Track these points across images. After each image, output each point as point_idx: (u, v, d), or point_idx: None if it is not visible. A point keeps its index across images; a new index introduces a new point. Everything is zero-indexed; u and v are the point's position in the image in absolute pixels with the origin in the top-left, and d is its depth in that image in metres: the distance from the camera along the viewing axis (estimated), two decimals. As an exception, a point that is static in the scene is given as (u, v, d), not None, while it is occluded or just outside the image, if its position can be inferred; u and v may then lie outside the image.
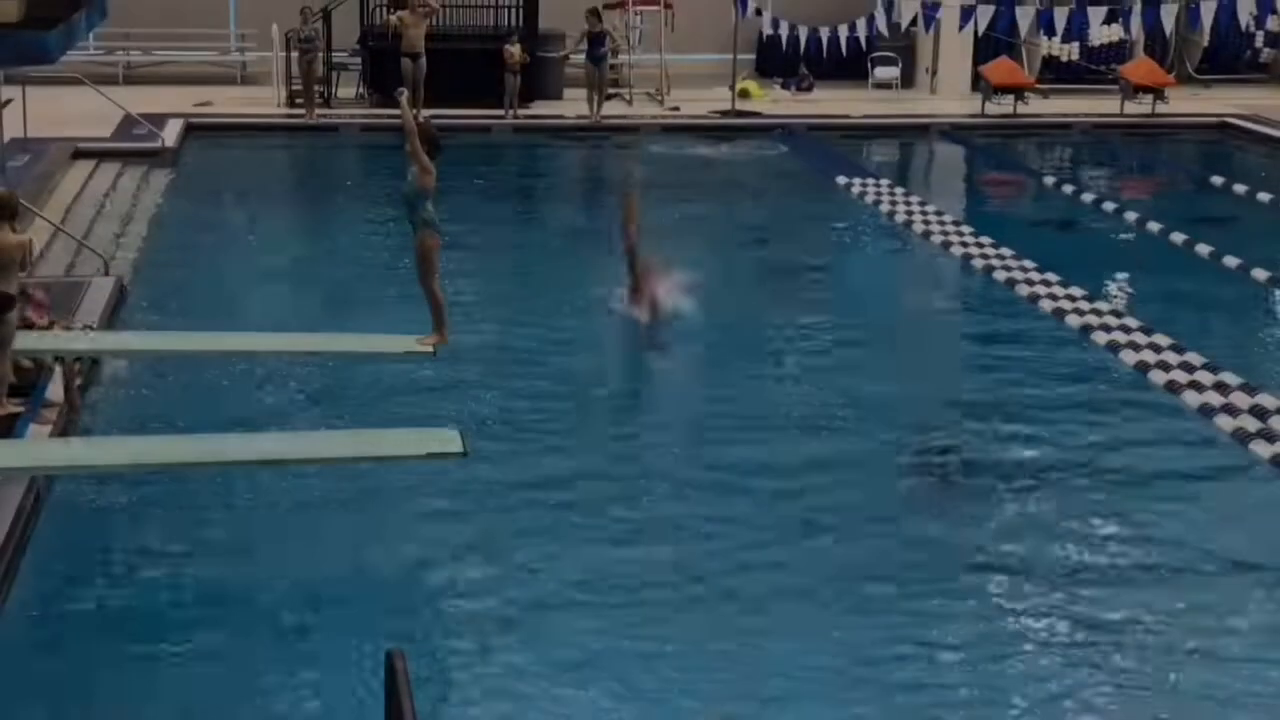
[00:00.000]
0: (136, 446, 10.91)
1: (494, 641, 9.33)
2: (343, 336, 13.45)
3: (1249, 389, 13.54)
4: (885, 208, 21.11)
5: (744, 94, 28.30)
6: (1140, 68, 28.86)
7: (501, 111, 26.19)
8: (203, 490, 11.26)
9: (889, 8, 28.45)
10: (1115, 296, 17.04)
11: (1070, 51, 30.48)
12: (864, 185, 22.35)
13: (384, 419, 12.67)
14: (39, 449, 10.99)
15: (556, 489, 11.54)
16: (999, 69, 28.17)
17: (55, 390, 12.22)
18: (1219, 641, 9.52)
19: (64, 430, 11.83)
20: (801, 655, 9.23)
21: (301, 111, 26.01)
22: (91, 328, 13.60)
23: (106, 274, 16.10)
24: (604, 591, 10.01)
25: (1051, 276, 17.18)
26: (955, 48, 29.31)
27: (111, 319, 14.89)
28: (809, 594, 10.01)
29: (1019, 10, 27.69)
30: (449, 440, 10.62)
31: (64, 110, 23.16)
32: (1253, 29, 30.42)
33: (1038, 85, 29.29)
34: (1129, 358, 14.59)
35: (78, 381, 12.50)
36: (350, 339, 13.22)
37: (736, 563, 10.44)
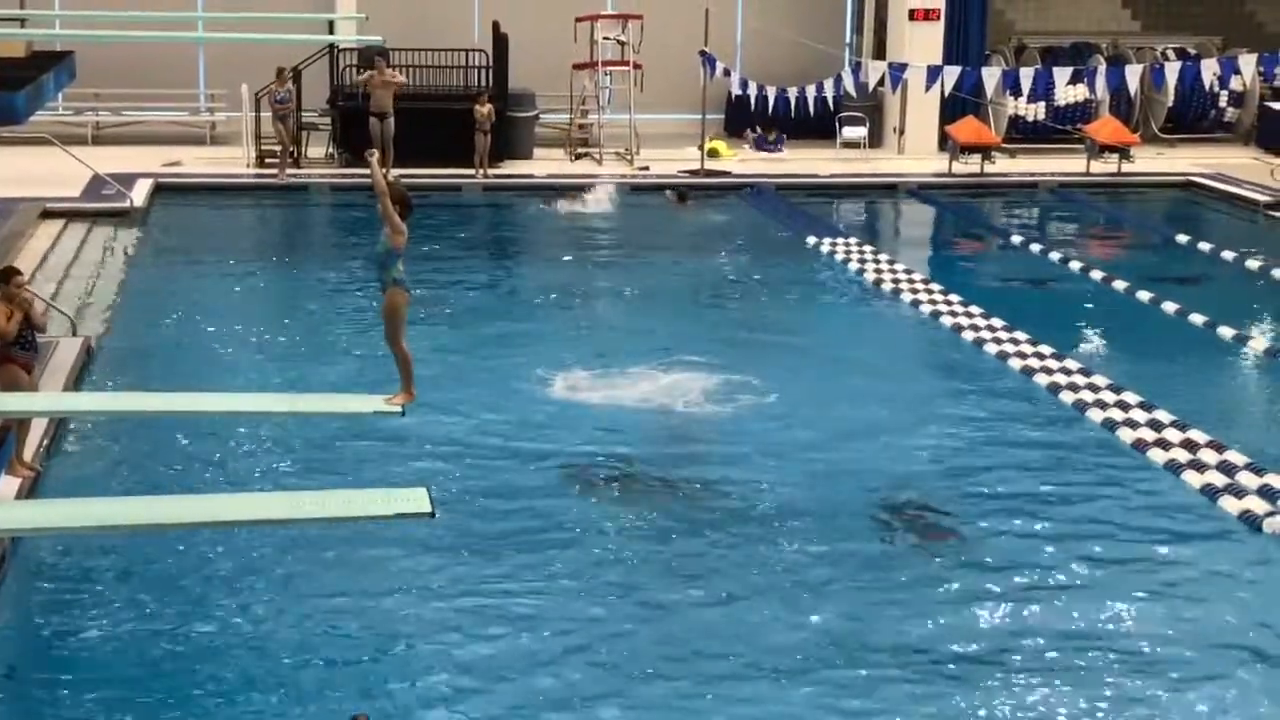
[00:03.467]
0: (102, 508, 10.79)
1: (459, 706, 9.27)
2: (310, 397, 13.40)
3: (1216, 446, 13.60)
4: (855, 266, 21.19)
5: (713, 153, 28.43)
6: (1106, 127, 29.07)
7: (472, 171, 26.27)
8: (168, 552, 11.19)
9: (856, 68, 28.65)
10: (1083, 354, 17.10)
11: (1036, 111, 30.70)
12: (834, 244, 22.44)
13: (350, 479, 12.63)
14: (4, 511, 10.89)
15: (523, 549, 11.51)
16: (965, 128, 28.37)
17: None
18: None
19: (30, 492, 11.77)
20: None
21: (271, 171, 26.04)
22: None
23: (74, 334, 16.04)
24: (571, 653, 9.97)
25: (1020, 334, 17.25)
26: (922, 108, 29.51)
27: (79, 379, 14.83)
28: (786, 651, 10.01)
29: (985, 70, 27.91)
30: (417, 500, 10.52)
31: (32, 170, 23.13)
32: (1217, 88, 30.70)
33: (1004, 145, 29.51)
34: (1096, 415, 14.64)
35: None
36: (318, 399, 13.15)
37: (704, 622, 10.44)
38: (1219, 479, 12.90)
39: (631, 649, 10.03)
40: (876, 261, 21.34)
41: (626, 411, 14.72)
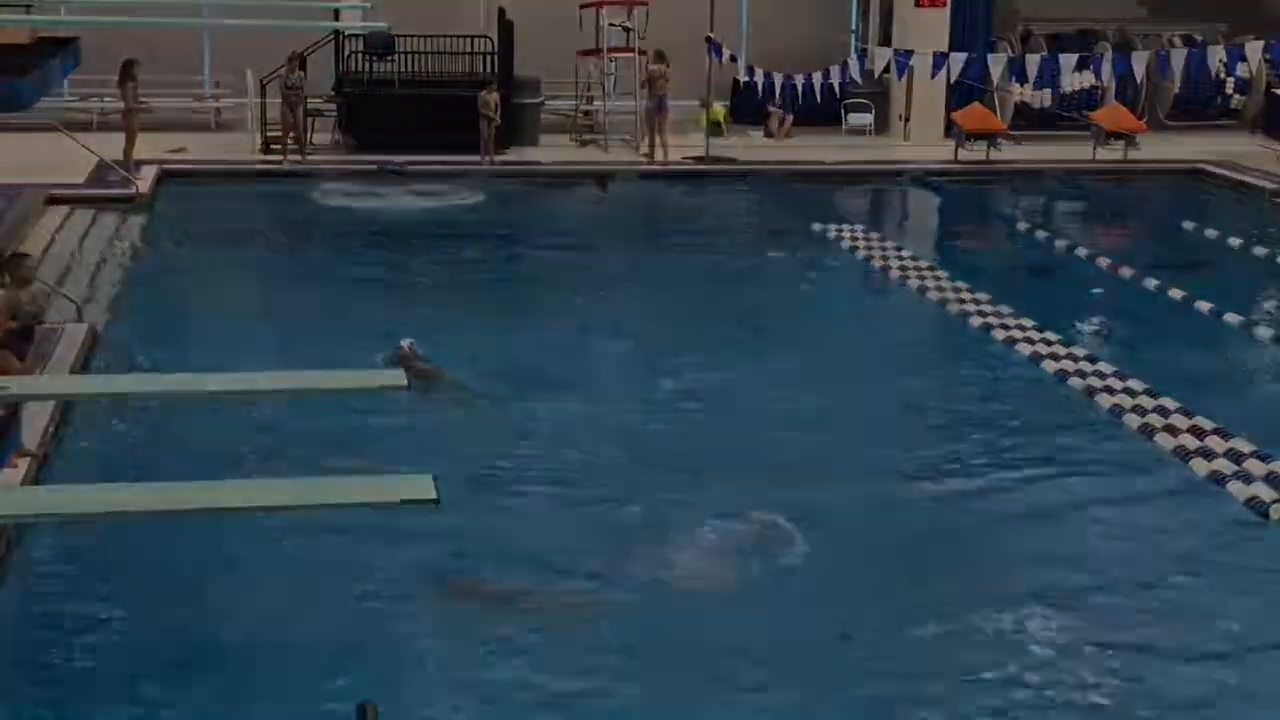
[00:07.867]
0: (106, 495, 10.76)
1: (466, 694, 9.27)
2: (311, 374, 13.27)
3: (1223, 433, 13.58)
4: (861, 253, 21.15)
5: (716, 124, 28.38)
6: (1112, 114, 29.01)
7: (477, 157, 26.23)
8: (171, 540, 11.16)
9: (862, 55, 28.58)
10: (1089, 341, 17.08)
11: (1042, 98, 30.61)
12: (840, 231, 22.41)
13: (354, 464, 12.63)
14: (9, 497, 10.88)
15: (528, 539, 11.51)
16: (971, 115, 28.30)
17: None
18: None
19: (35, 478, 11.77)
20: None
21: (277, 157, 26.01)
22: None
23: (80, 320, 16.03)
24: (572, 646, 9.98)
25: (1027, 321, 17.23)
26: (928, 94, 29.41)
27: (85, 366, 14.82)
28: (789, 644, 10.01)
29: (991, 57, 27.82)
30: (422, 487, 10.50)
31: (37, 157, 23.09)
32: (1223, 75, 30.63)
33: (1010, 131, 29.43)
34: (1105, 401, 14.63)
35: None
36: (320, 375, 13.04)
37: (706, 619, 10.44)
38: (1226, 466, 12.88)
39: (635, 641, 10.03)
40: (883, 248, 21.31)
41: (630, 399, 14.71)
